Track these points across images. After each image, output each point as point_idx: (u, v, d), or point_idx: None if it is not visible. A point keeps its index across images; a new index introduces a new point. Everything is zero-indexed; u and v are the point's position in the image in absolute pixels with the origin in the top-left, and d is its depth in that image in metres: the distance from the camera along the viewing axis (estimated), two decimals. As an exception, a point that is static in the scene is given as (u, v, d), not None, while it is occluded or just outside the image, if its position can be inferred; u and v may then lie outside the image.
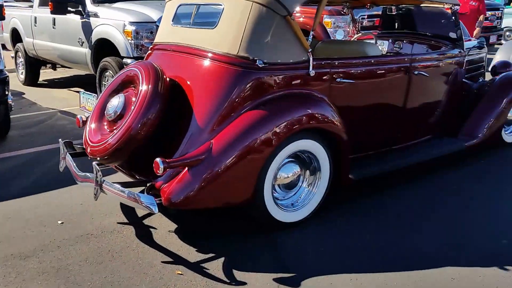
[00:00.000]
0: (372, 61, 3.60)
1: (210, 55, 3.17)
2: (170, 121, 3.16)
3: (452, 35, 4.42)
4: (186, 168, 2.84)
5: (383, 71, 3.67)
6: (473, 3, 7.88)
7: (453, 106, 4.41)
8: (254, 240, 3.10)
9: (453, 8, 4.26)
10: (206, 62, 3.19)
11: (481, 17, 7.92)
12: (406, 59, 3.80)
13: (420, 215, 3.46)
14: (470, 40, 5.12)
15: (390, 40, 4.91)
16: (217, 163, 2.84)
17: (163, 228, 3.24)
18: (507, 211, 3.54)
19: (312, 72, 3.22)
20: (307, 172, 3.31)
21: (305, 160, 3.29)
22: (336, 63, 3.37)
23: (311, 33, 3.26)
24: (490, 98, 4.50)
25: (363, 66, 3.53)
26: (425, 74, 3.91)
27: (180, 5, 3.72)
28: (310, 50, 3.19)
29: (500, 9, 10.79)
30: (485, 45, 4.91)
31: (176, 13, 3.72)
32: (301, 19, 8.07)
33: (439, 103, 4.25)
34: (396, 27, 5.18)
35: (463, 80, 4.50)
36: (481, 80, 4.94)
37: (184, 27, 3.62)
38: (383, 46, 4.87)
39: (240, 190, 2.97)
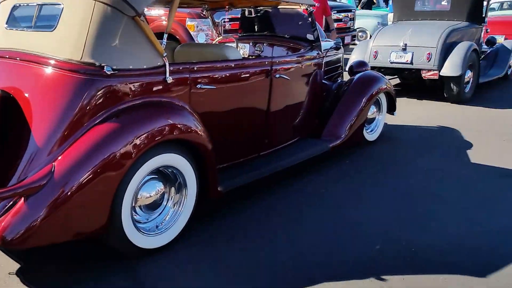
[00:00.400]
0: (233, 65, 3.39)
1: (50, 62, 2.72)
2: (4, 142, 2.68)
3: (310, 36, 4.42)
4: (23, 198, 2.37)
5: (244, 75, 3.49)
6: (316, 4, 8.11)
7: (315, 107, 4.40)
8: (114, 273, 2.69)
9: (309, 9, 4.27)
10: (46, 70, 2.72)
11: (330, 20, 8.13)
12: (266, 62, 3.67)
13: (291, 223, 3.33)
14: (327, 41, 5.24)
15: (251, 43, 4.81)
16: (63, 187, 2.41)
17: (2, 271, 2.69)
18: (376, 212, 3.51)
19: (169, 78, 2.92)
20: (172, 189, 3.00)
21: (169, 176, 2.98)
22: (195, 68, 3.10)
23: (165, 36, 2.98)
24: (350, 97, 4.57)
25: (224, 71, 3.31)
26: (286, 77, 3.82)
27: (14, 5, 3.21)
28: (165, 54, 2.89)
29: (353, 10, 11.48)
30: (341, 46, 5.06)
31: (11, 14, 3.21)
32: (164, 22, 7.77)
33: (301, 105, 4.21)
34: (256, 29, 5.12)
35: (323, 81, 4.54)
36: (339, 80, 5.07)
37: (20, 31, 3.12)
38: (245, 49, 4.75)
39: (93, 217, 2.55)
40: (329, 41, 5.21)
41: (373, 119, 5.03)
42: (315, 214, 3.48)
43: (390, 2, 10.09)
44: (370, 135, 4.97)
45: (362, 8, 15.81)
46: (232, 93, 3.43)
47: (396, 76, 7.89)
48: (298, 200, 3.70)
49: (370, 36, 8.44)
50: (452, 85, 6.78)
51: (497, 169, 4.38)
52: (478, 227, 3.28)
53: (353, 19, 11.26)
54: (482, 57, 7.82)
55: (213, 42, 4.82)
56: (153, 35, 2.85)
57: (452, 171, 4.33)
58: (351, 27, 11.25)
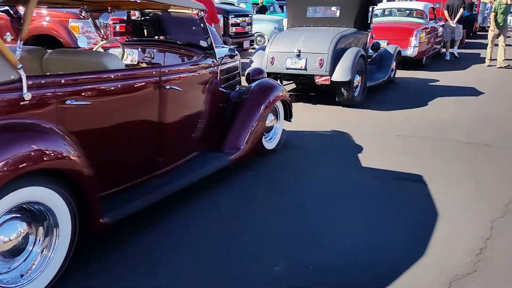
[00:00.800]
0: (112, 76, 2.76)
1: None
2: None
3: (203, 43, 3.91)
4: None
5: (128, 88, 2.88)
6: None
7: (213, 118, 3.90)
8: None
9: (200, 14, 3.76)
10: None
11: (217, 28, 7.59)
12: (154, 72, 3.08)
13: (188, 248, 2.83)
14: (223, 47, 4.76)
15: (139, 49, 4.17)
16: None
17: None
18: (276, 228, 3.13)
19: (27, 95, 2.25)
20: (40, 229, 2.34)
21: (35, 213, 2.32)
22: (63, 81, 2.44)
23: (19, 43, 2.29)
24: (248, 108, 4.13)
25: (101, 83, 2.68)
26: (178, 88, 3.26)
27: None
28: (20, 66, 2.21)
29: (250, 15, 11.15)
30: (237, 53, 4.62)
31: None
32: (44, 23, 6.87)
33: (198, 117, 3.68)
34: (145, 33, 4.49)
35: (220, 90, 4.05)
36: (238, 88, 4.62)
37: None
38: (133, 56, 4.11)
39: None
40: (225, 47, 4.73)
41: (271, 127, 4.65)
42: (213, 235, 3.03)
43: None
44: (269, 143, 4.60)
45: (257, 13, 15.60)
46: (114, 109, 2.81)
47: (292, 82, 7.67)
48: (197, 220, 3.22)
49: (268, 40, 8.11)
50: (342, 90, 6.68)
51: (388, 172, 4.23)
52: (375, 238, 3.05)
53: (250, 24, 10.95)
54: (369, 61, 7.87)
55: (95, 47, 4.11)
56: (2, 43, 2.17)
57: (347, 176, 4.12)
58: (249, 32, 10.94)
